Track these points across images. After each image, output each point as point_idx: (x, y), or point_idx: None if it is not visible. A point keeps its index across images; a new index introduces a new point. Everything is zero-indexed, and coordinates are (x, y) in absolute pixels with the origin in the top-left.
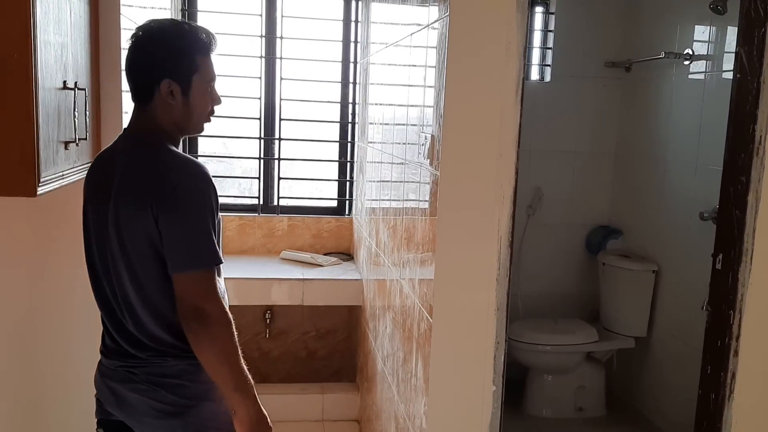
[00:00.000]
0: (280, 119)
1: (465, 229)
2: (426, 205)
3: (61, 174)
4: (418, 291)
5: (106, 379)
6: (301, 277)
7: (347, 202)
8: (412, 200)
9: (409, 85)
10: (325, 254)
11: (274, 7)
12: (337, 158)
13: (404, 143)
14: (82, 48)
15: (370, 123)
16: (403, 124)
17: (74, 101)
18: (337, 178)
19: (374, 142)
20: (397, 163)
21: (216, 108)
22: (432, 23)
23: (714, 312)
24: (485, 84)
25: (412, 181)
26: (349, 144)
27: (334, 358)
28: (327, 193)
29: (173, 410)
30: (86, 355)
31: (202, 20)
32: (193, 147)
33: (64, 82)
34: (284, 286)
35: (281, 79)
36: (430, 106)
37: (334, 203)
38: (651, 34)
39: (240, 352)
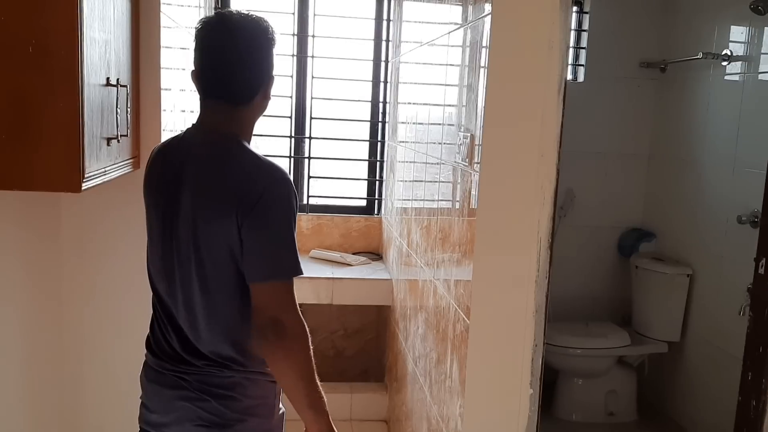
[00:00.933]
0: (311, 118)
1: (504, 231)
2: (464, 206)
3: (103, 170)
4: (453, 292)
5: (152, 382)
6: (331, 276)
7: (377, 201)
8: (448, 200)
9: (446, 84)
10: (353, 253)
11: (306, 5)
12: (367, 157)
13: (439, 143)
14: (124, 45)
15: (402, 122)
16: (439, 124)
17: (117, 98)
18: (366, 177)
19: (406, 142)
20: (432, 163)
21: None
22: (472, 22)
23: (756, 318)
24: (527, 83)
25: (448, 181)
26: (379, 143)
27: (362, 357)
28: (356, 193)
29: (220, 422)
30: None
31: None
32: None
33: (107, 78)
34: (313, 285)
35: (312, 77)
36: (468, 106)
37: (364, 202)
38: (687, 34)
39: (315, 368)
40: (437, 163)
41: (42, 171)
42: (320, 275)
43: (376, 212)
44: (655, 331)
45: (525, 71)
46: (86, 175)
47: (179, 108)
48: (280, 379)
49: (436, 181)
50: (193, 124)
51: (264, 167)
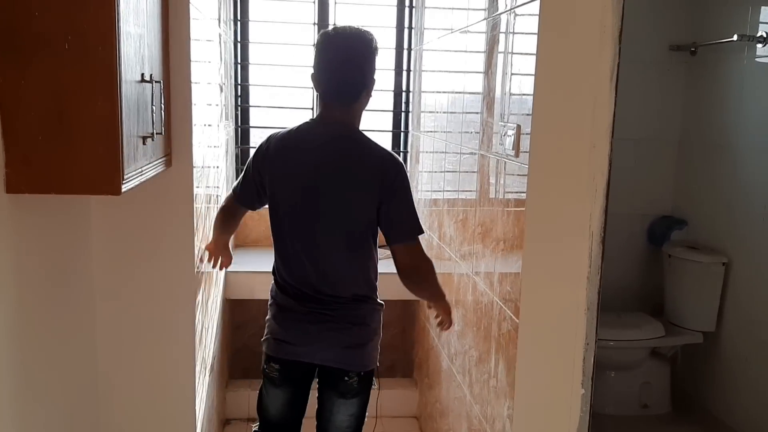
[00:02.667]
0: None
1: (554, 225)
2: (510, 198)
3: (140, 170)
4: (498, 289)
5: (296, 322)
6: None
7: None
8: (489, 192)
9: (483, 72)
10: (379, 246)
11: None
12: (390, 148)
13: (476, 132)
14: (155, 39)
15: (429, 111)
16: (475, 113)
17: (152, 94)
18: None
19: (435, 131)
20: (466, 153)
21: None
22: (517, 6)
23: None
24: (578, 70)
25: (488, 173)
26: (402, 134)
27: (389, 352)
28: None
29: (358, 342)
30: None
31: (254, 8)
32: (245, 138)
33: (142, 74)
34: None
35: None
36: (515, 95)
37: None
38: (719, 15)
39: (437, 278)
40: (472, 153)
41: (80, 173)
42: None
43: None
44: (689, 322)
45: (576, 57)
46: (125, 177)
47: (205, 102)
48: (430, 291)
49: (472, 172)
50: (312, 119)
51: (389, 154)
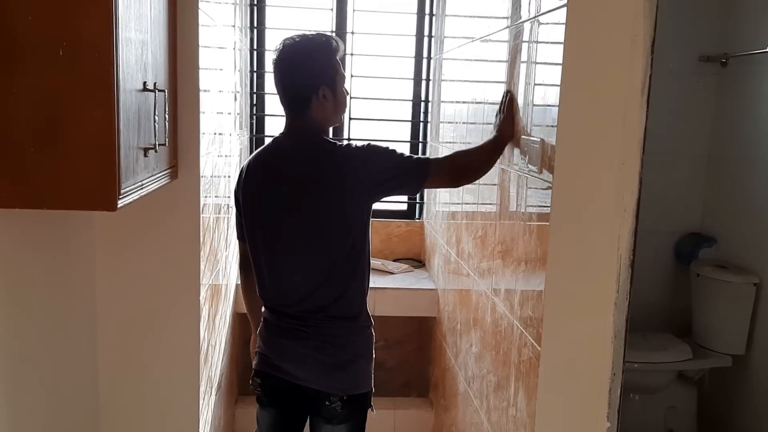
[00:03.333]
0: (350, 118)
1: (580, 246)
2: (532, 217)
3: (140, 184)
4: (518, 313)
5: (275, 337)
6: (372, 285)
7: (418, 205)
8: (510, 209)
9: (504, 83)
10: (394, 260)
11: (345, 1)
12: None
13: None
14: (160, 46)
15: (448, 122)
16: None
17: (154, 104)
18: None
19: (453, 143)
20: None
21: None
22: (540, 14)
23: None
24: (607, 82)
25: (509, 189)
26: (420, 144)
27: (404, 369)
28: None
29: (336, 363)
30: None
31: (271, 15)
32: (260, 147)
33: (144, 83)
34: None
35: (352, 76)
36: (538, 105)
37: (405, 206)
38: (752, 25)
39: (476, 152)
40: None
41: (73, 187)
42: None
43: (417, 216)
44: (718, 344)
45: (604, 68)
46: (122, 191)
47: (216, 110)
48: (481, 175)
49: (492, 185)
50: (283, 133)
51: (344, 145)
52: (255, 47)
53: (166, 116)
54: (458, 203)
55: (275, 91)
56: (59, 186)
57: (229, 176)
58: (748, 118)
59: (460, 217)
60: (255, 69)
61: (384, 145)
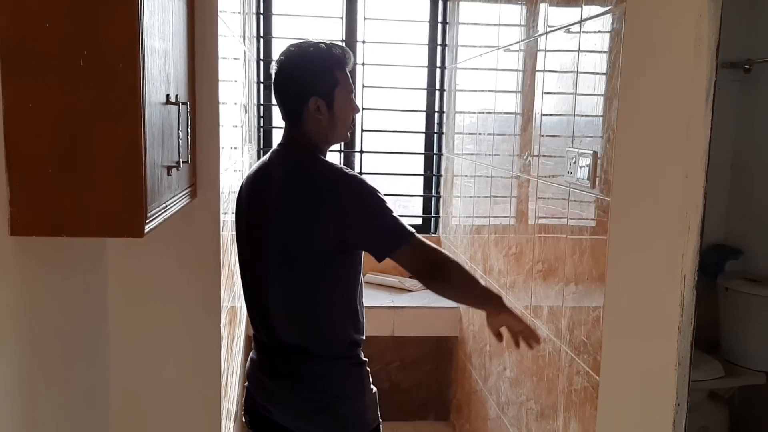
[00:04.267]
0: (362, 130)
1: (640, 267)
2: (582, 235)
3: (164, 206)
4: (567, 338)
5: (257, 371)
6: (391, 304)
7: (433, 219)
8: (553, 226)
9: (543, 92)
10: (410, 277)
11: (354, 9)
12: (422, 171)
13: (534, 155)
14: (181, 56)
15: (469, 133)
16: (540, 135)
17: (178, 118)
18: (422, 193)
19: (478, 154)
20: (516, 177)
21: (356, 116)
22: (592, 17)
23: None
24: (669, 90)
25: (552, 204)
26: (435, 156)
27: (420, 390)
28: (412, 210)
29: (312, 407)
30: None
31: (279, 24)
32: None
33: (167, 95)
34: (372, 315)
35: (363, 86)
36: (588, 116)
37: (419, 220)
38: None
39: (475, 277)
40: (531, 179)
41: (97, 212)
42: (379, 304)
43: (433, 231)
44: (750, 361)
45: (666, 75)
46: (149, 215)
47: (231, 123)
48: (454, 299)
49: (530, 198)
50: (278, 146)
51: (340, 171)
52: (262, 57)
53: (189, 132)
54: (484, 217)
55: None
56: (80, 211)
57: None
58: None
59: (487, 231)
60: (262, 80)
61: (373, 201)
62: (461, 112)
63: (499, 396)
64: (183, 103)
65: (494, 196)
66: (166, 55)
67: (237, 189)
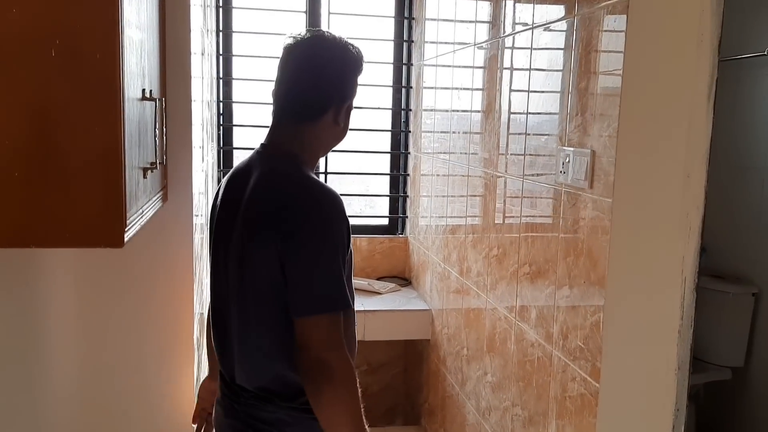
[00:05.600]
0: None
1: (642, 269)
2: (577, 237)
3: (141, 212)
4: (560, 343)
5: (219, 407)
6: (361, 308)
7: (401, 220)
8: (542, 227)
9: (528, 91)
10: (378, 278)
11: (319, 3)
12: (389, 171)
13: (519, 154)
14: (155, 47)
15: (441, 131)
16: (519, 134)
17: (154, 115)
18: (389, 193)
19: (454, 153)
20: (498, 175)
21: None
22: (593, 8)
23: None
24: (670, 86)
25: (540, 204)
26: (402, 155)
27: (388, 394)
28: (378, 211)
29: None
30: None
31: (239, 18)
32: (227, 161)
33: (143, 90)
34: None
35: None
36: (583, 115)
37: (386, 221)
38: (744, 29)
39: (363, 414)
40: (517, 178)
41: (71, 220)
42: None
43: (400, 232)
44: (716, 356)
45: (668, 71)
46: (127, 222)
47: (200, 122)
48: (324, 422)
49: (515, 197)
50: (261, 144)
51: (310, 191)
52: (221, 52)
53: (165, 130)
54: (460, 217)
55: (246, 100)
56: (52, 219)
57: (205, 192)
58: (738, 123)
59: (464, 232)
60: (221, 76)
61: (335, 245)
62: (429, 110)
63: (479, 401)
64: (158, 99)
65: (471, 196)
66: (142, 46)
67: (205, 190)
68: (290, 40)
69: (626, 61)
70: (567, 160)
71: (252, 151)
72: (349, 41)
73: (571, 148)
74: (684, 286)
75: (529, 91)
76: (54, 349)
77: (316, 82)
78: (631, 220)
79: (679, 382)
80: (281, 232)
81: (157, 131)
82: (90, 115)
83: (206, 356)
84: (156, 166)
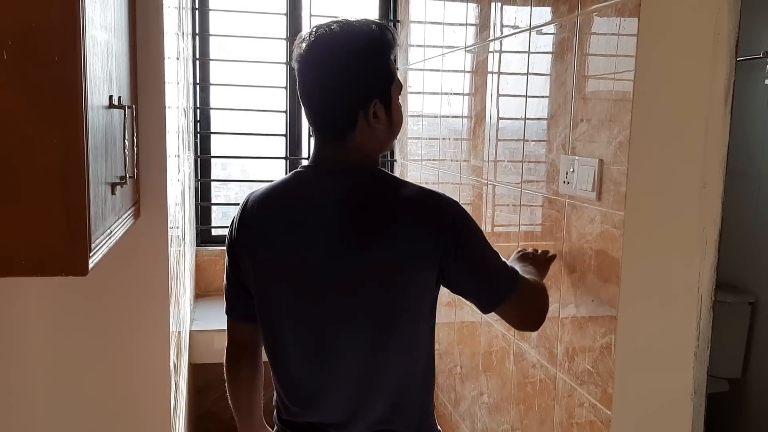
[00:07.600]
0: (309, 135)
1: (656, 287)
2: (585, 253)
3: (109, 232)
4: (566, 365)
5: None
6: None
7: None
8: (546, 243)
9: (526, 96)
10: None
11: (299, 6)
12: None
13: (509, 161)
14: (124, 50)
15: (429, 138)
16: (516, 139)
17: (123, 124)
18: None
19: (444, 160)
20: (509, 185)
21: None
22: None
23: None
24: (685, 89)
25: (543, 219)
26: (389, 162)
27: None
28: None
29: None
30: None
31: (216, 22)
32: (204, 169)
33: (110, 97)
34: None
35: None
36: (590, 121)
37: None
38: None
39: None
40: (513, 186)
41: (26, 246)
42: None
43: None
44: (712, 368)
45: (682, 74)
46: (93, 247)
47: (175, 130)
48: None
49: (509, 205)
50: (305, 165)
51: (427, 190)
52: (198, 56)
53: (135, 141)
54: None
55: (224, 106)
56: (4, 246)
57: (182, 203)
58: (734, 129)
59: None
60: (198, 81)
61: (481, 232)
62: (417, 116)
63: (474, 422)
64: (128, 107)
65: (464, 204)
66: (108, 49)
67: (182, 201)
68: (302, 46)
69: (638, 64)
70: (571, 170)
71: (291, 175)
72: (370, 23)
73: (576, 157)
74: (700, 304)
75: (526, 96)
76: (19, 380)
77: (329, 94)
78: (644, 234)
79: (696, 407)
80: (438, 235)
81: (127, 142)
82: (47, 126)
83: (235, 412)
84: (126, 181)
